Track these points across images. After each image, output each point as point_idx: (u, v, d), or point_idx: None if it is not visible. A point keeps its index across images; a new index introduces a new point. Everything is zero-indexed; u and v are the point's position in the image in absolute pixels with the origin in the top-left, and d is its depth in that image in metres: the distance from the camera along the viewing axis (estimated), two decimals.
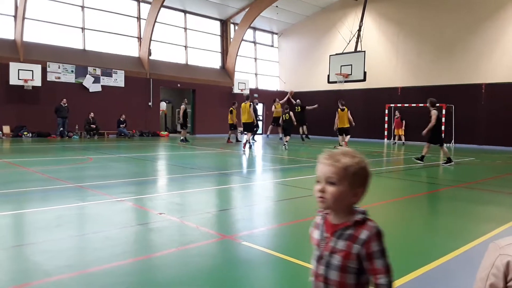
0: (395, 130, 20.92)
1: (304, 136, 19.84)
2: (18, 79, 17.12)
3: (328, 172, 1.36)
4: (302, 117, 19.87)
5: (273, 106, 20.27)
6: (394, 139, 21.09)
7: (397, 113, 20.89)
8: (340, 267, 1.34)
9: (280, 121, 18.05)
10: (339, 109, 15.41)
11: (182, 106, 17.87)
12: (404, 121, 20.69)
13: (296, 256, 3.36)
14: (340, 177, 1.34)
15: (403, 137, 20.47)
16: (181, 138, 17.36)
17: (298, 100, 21.06)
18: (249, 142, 14.48)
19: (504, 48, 19.06)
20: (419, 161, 11.08)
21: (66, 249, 3.49)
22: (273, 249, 3.57)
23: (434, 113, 11.02)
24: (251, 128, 14.96)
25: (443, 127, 19.21)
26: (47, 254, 3.30)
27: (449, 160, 10.90)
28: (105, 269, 3.02)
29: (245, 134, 14.70)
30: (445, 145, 11.19)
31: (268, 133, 21.20)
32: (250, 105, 14.80)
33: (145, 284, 2.83)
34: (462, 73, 20.27)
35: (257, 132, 20.41)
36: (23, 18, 17.52)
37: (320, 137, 23.70)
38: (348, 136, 15.43)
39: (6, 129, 17.26)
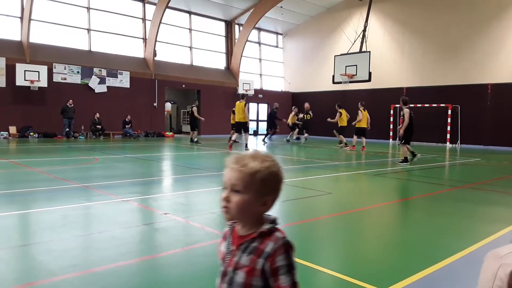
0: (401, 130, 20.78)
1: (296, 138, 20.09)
2: (25, 80, 17.26)
3: (233, 179, 1.20)
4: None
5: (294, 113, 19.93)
6: (399, 139, 20.96)
7: (402, 113, 20.77)
8: (244, 285, 1.19)
9: (297, 120, 19.57)
10: (361, 109, 15.36)
11: (194, 108, 17.58)
12: None
13: (300, 257, 3.35)
14: (246, 184, 1.18)
15: None
16: (195, 139, 17.09)
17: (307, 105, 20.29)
18: (246, 141, 14.70)
19: (510, 48, 18.93)
20: (403, 163, 10.75)
21: (71, 248, 3.51)
22: None
23: (406, 111, 11.01)
24: (245, 128, 14.45)
25: (391, 126, 19.30)
26: (52, 254, 3.32)
27: (405, 160, 10.80)
28: (111, 269, 3.04)
29: (243, 134, 14.56)
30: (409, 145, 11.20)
31: (294, 136, 20.22)
32: (245, 104, 14.27)
33: (150, 283, 2.84)
34: (467, 73, 20.15)
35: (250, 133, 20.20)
36: (29, 19, 17.65)
37: (324, 137, 23.63)
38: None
39: (13, 129, 17.38)
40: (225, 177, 1.23)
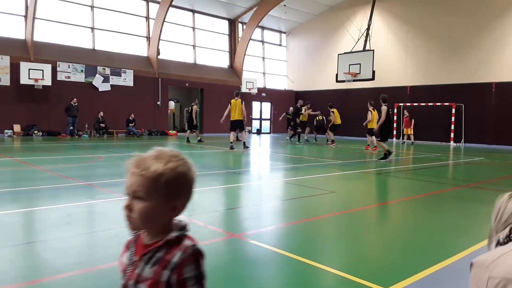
0: (405, 129, 20.73)
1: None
2: (29, 78, 17.33)
3: (134, 185, 1.06)
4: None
5: (303, 110, 18.71)
6: (403, 138, 20.92)
7: (405, 112, 20.70)
8: None
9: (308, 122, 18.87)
10: (371, 109, 15.17)
11: (195, 107, 17.14)
12: (413, 120, 20.46)
13: (304, 255, 3.36)
14: (149, 190, 1.05)
15: (412, 137, 20.26)
16: (198, 138, 16.94)
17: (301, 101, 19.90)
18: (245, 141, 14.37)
19: None
20: (383, 160, 10.83)
21: (75, 246, 3.53)
22: (281, 247, 3.57)
23: (384, 108, 11.18)
24: (241, 126, 14.06)
25: (395, 124, 19.14)
26: (57, 251, 3.34)
27: (385, 156, 10.90)
28: (115, 267, 3.04)
29: (239, 132, 14.52)
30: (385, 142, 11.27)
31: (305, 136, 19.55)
32: (241, 102, 13.96)
33: None
34: (472, 72, 20.06)
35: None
36: (34, 18, 17.71)
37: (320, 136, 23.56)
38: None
39: (17, 128, 17.46)
40: (126, 183, 1.09)
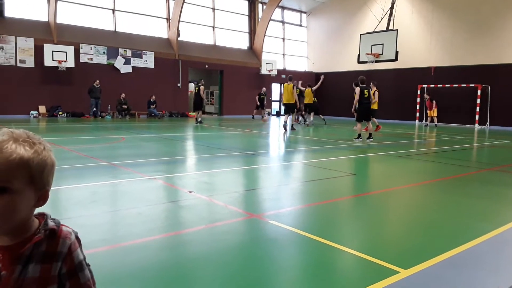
0: (428, 111, 20.24)
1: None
2: (53, 60, 17.64)
3: None
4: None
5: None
6: (426, 120, 20.48)
7: (426, 95, 20.15)
8: None
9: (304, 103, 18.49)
10: (375, 89, 14.80)
11: (202, 87, 17.25)
12: (434, 102, 19.90)
13: (323, 236, 3.38)
14: (18, 179, 0.89)
15: (435, 119, 19.80)
16: (199, 119, 17.08)
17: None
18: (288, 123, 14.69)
19: None
20: (357, 140, 11.18)
21: (100, 224, 3.65)
22: (300, 228, 3.61)
23: (357, 90, 11.44)
24: (293, 109, 15.13)
25: (418, 107, 18.61)
26: (83, 229, 3.46)
27: (359, 136, 11.30)
28: (138, 244, 3.15)
29: (291, 115, 15.10)
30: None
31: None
32: (293, 86, 14.70)
33: (175, 258, 2.93)
34: (499, 52, 19.37)
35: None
36: (56, 0, 17.90)
37: (345, 118, 23.32)
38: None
39: (42, 109, 17.89)
40: None
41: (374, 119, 13.71)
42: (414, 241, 3.47)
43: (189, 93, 24.00)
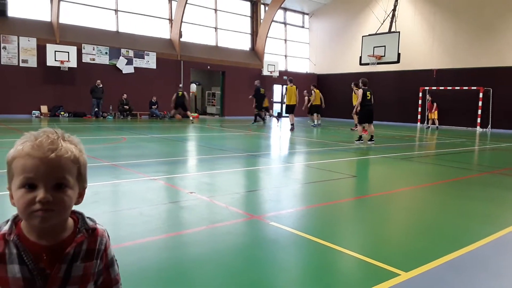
0: (429, 114, 20.22)
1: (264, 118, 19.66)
2: (55, 60, 17.68)
3: (55, 170, 0.92)
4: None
5: (312, 93, 18.81)
6: (427, 123, 20.44)
7: (428, 96, 20.06)
8: None
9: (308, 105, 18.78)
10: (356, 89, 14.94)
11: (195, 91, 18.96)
12: (435, 104, 19.78)
13: (324, 238, 3.39)
14: (73, 174, 0.96)
15: (436, 121, 19.74)
16: (171, 115, 19.34)
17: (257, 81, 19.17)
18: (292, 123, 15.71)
19: None
20: (358, 142, 11.25)
21: (102, 223, 3.64)
22: (300, 230, 3.61)
23: (360, 92, 11.34)
24: (293, 109, 16.04)
25: (419, 109, 18.60)
26: None
27: (360, 138, 11.35)
28: (139, 244, 3.15)
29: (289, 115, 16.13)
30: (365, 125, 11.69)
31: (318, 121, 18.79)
32: (296, 88, 15.93)
33: (176, 259, 2.94)
34: (501, 55, 19.35)
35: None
36: (59, 0, 17.95)
37: (343, 120, 23.31)
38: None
39: (44, 109, 17.93)
40: (35, 169, 0.90)
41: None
42: (415, 244, 3.46)
43: (190, 93, 24.02)
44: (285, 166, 7.63)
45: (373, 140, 11.20)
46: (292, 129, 15.07)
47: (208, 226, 3.63)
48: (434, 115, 19.79)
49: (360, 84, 11.56)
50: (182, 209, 4.25)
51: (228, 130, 14.79)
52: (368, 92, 11.21)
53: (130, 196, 4.71)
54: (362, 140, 11.25)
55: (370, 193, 5.40)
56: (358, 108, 11.38)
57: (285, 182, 6.12)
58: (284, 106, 27.51)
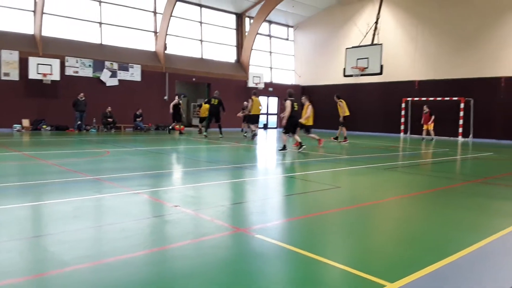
0: (424, 125, 19.39)
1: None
2: (37, 73, 17.46)
3: None
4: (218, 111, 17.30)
5: (249, 101, 17.02)
6: (422, 134, 19.55)
7: (425, 107, 19.34)
8: None
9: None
10: (340, 101, 15.63)
11: (175, 101, 18.57)
12: (433, 116, 19.00)
13: (309, 250, 3.36)
14: None
15: (432, 132, 19.01)
16: (170, 127, 18.85)
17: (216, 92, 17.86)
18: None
19: None
20: (282, 151, 11.33)
21: (83, 239, 3.57)
22: (286, 242, 3.58)
23: (288, 103, 11.49)
24: (258, 119, 16.74)
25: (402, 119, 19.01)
26: (64, 245, 3.38)
27: (284, 148, 11.46)
28: (122, 260, 3.08)
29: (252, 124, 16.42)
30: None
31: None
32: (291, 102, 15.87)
33: (160, 274, 2.87)
34: (481, 66, 19.85)
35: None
36: (42, 13, 17.81)
37: (328, 130, 23.48)
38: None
39: (26, 122, 17.62)
40: None
41: (312, 134, 13.67)
42: (401, 254, 3.46)
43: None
44: (270, 178, 7.61)
45: (303, 146, 11.64)
46: (253, 138, 15.87)
47: (193, 240, 3.58)
48: (430, 126, 19.10)
49: (287, 96, 11.69)
50: (166, 223, 4.18)
51: (213, 142, 14.74)
52: (295, 104, 11.41)
53: (112, 211, 4.62)
54: (286, 149, 11.39)
55: (354, 203, 5.41)
56: (285, 121, 11.64)
57: (270, 194, 6.09)
58: (267, 117, 27.70)
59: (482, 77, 19.73)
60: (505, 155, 12.60)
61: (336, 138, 16.11)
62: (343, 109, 15.63)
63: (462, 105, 19.83)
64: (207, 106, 17.90)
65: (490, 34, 19.59)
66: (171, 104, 18.75)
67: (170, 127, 18.92)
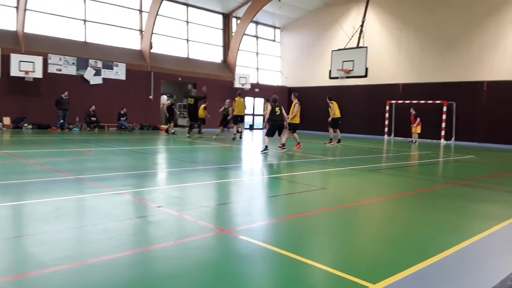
0: (412, 128, 19.65)
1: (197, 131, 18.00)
2: (19, 70, 17.12)
3: None
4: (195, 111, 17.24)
5: (232, 103, 17.23)
6: (411, 137, 19.89)
7: (412, 110, 19.65)
8: None
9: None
10: (331, 102, 15.43)
11: (168, 102, 18.31)
12: (418, 119, 19.37)
13: (294, 251, 3.36)
14: None
15: (416, 135, 19.41)
16: (171, 131, 17.68)
17: (193, 90, 17.52)
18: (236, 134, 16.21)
19: (506, 45, 18.99)
20: (264, 151, 11.36)
21: (64, 240, 3.50)
22: (270, 243, 3.57)
23: (268, 107, 12.01)
24: (242, 119, 16.63)
25: (387, 122, 19.21)
26: (44, 245, 3.31)
27: (266, 148, 11.48)
28: (103, 261, 3.03)
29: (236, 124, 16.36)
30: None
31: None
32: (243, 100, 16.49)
33: (142, 276, 2.83)
34: (464, 70, 20.22)
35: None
36: (25, 9, 17.48)
37: (318, 132, 23.65)
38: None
39: (7, 120, 17.26)
40: None
41: (295, 134, 13.41)
42: (384, 255, 3.49)
43: (161, 105, 23.74)
44: (255, 178, 7.61)
45: (285, 148, 12.01)
46: (234, 139, 15.78)
47: (176, 242, 3.54)
48: (417, 129, 19.43)
49: (271, 100, 11.83)
50: (149, 224, 4.13)
51: (198, 143, 14.66)
52: (277, 108, 11.60)
53: (94, 211, 4.54)
54: (267, 150, 11.34)
55: (339, 204, 5.44)
56: (267, 124, 11.99)
57: (255, 195, 6.08)
58: (253, 118, 27.72)
59: (465, 81, 20.10)
60: (487, 158, 12.85)
61: (331, 140, 15.74)
62: (333, 111, 15.41)
63: (444, 108, 20.17)
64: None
65: (472, 39, 19.97)
66: (165, 106, 18.23)
67: (172, 131, 17.57)
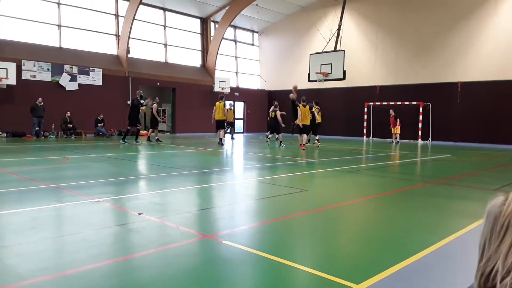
0: (392, 129, 19.94)
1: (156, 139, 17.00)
2: None
3: None
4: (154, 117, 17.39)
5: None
6: (392, 138, 20.12)
7: (391, 111, 19.97)
8: None
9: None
10: (301, 105, 14.72)
11: (155, 105, 17.40)
12: (398, 120, 19.66)
13: (277, 254, 3.36)
14: None
15: (398, 136, 19.67)
16: (156, 137, 16.94)
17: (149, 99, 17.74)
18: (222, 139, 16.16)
19: (478, 48, 19.54)
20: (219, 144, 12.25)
21: (41, 251, 3.40)
22: (254, 247, 3.56)
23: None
24: (223, 125, 16.46)
25: (365, 123, 19.64)
26: (21, 257, 3.21)
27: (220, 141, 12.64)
28: (82, 271, 2.95)
29: (221, 130, 16.15)
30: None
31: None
32: (224, 104, 16.09)
33: (123, 286, 2.77)
34: (438, 72, 20.70)
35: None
36: None
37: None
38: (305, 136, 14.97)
39: None
40: None
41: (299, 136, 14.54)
42: (365, 255, 3.52)
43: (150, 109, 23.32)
44: (236, 182, 7.58)
45: (283, 145, 12.84)
46: (219, 143, 15.58)
47: (157, 249, 3.49)
48: (397, 130, 19.70)
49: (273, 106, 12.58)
50: (129, 232, 4.06)
51: (179, 148, 14.53)
52: (271, 113, 12.75)
53: (72, 221, 4.43)
54: (223, 144, 12.17)
55: (320, 206, 5.47)
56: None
57: (237, 199, 6.05)
58: (237, 122, 27.66)
59: (440, 82, 20.58)
60: (462, 157, 13.17)
61: (309, 141, 16.07)
62: (299, 116, 14.84)
63: (421, 109, 20.59)
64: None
65: (446, 41, 20.49)
66: (154, 111, 17.31)
67: (157, 138, 16.90)
